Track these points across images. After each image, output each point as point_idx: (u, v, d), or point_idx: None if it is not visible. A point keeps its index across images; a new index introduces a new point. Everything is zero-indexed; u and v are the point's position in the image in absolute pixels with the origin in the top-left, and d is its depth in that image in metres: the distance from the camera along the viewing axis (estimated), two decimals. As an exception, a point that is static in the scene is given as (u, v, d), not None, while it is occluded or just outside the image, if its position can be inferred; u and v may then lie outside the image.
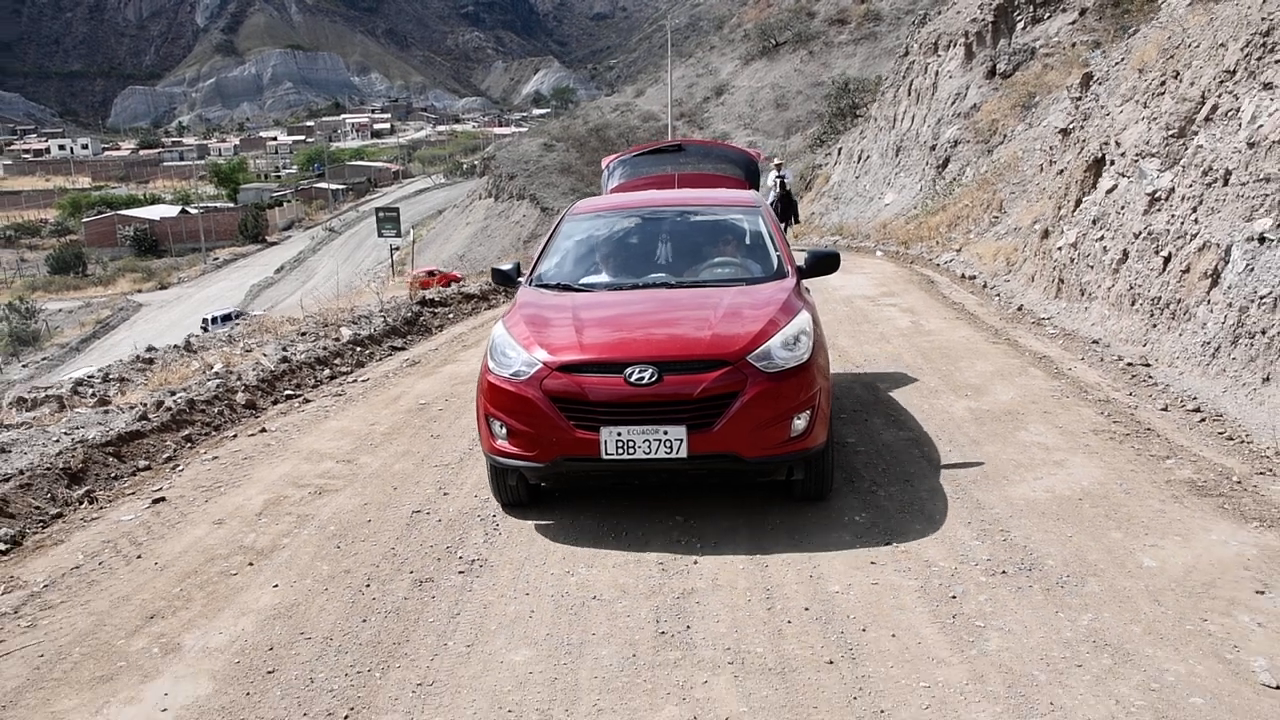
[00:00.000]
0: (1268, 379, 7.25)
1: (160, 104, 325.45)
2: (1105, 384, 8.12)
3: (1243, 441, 6.39)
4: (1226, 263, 8.29)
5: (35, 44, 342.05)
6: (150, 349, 11.76)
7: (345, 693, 3.70)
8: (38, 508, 6.08)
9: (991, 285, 13.77)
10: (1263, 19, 9.31)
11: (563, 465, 5.18)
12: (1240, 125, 8.96)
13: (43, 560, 5.27)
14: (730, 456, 5.04)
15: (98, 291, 76.63)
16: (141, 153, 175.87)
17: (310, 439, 7.48)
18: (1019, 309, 11.99)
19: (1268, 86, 8.72)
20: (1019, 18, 27.02)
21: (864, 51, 63.86)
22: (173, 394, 8.57)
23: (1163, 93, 11.24)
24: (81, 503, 6.28)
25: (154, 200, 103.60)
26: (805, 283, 6.47)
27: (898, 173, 29.11)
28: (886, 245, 22.01)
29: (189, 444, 7.57)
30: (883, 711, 3.42)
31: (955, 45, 28.17)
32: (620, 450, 4.99)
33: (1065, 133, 16.83)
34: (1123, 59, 15.49)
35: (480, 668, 3.85)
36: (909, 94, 30.24)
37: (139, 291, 74.45)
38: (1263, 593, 4.16)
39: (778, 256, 6.47)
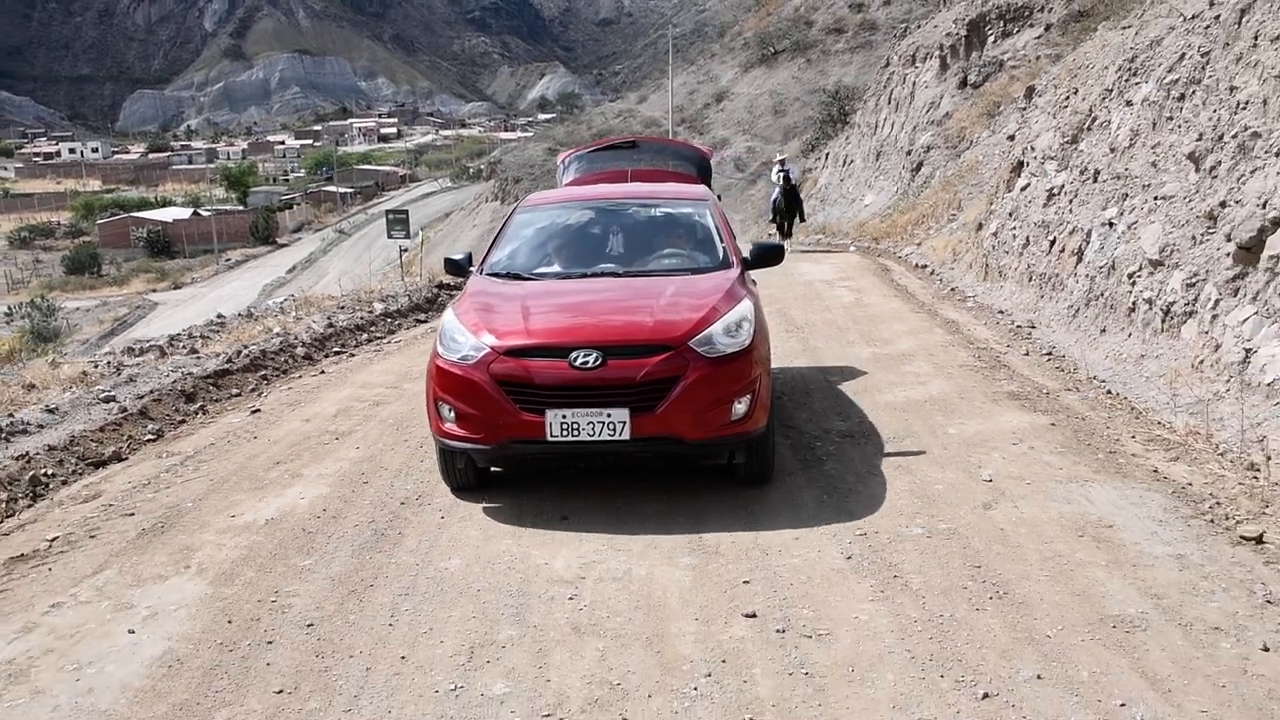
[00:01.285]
0: (1104, 330, 9.40)
1: (168, 108, 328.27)
2: (991, 339, 10.24)
3: (1069, 373, 8.51)
4: (1088, 243, 10.43)
5: (45, 48, 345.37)
6: (220, 315, 13.99)
7: (415, 491, 5.89)
8: (168, 415, 8.23)
9: (938, 272, 15.86)
10: (1130, 48, 11.46)
11: (509, 447, 5.39)
12: (1109, 134, 11.10)
13: (184, 442, 7.42)
14: (672, 439, 5.26)
15: (113, 291, 78.48)
16: (151, 156, 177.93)
17: (362, 375, 9.65)
18: (952, 290, 14.09)
19: (1128, 103, 10.84)
20: (990, 32, 28.71)
21: (860, 60, 65.51)
22: (246, 347, 10.71)
23: (1066, 106, 13.39)
24: (197, 414, 8.42)
25: (165, 203, 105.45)
26: (754, 273, 6.80)
27: (877, 176, 31.08)
28: (861, 242, 24.02)
29: (266, 381, 9.71)
30: (749, 498, 5.56)
31: (931, 58, 30.03)
32: (565, 432, 5.18)
33: (1012, 138, 18.94)
34: (1056, 76, 17.62)
35: (500, 478, 6.01)
36: (889, 103, 32.24)
37: (154, 291, 76.29)
38: (1016, 444, 6.31)
39: (723, 248, 6.70)
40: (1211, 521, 4.85)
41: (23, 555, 5.06)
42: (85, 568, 4.88)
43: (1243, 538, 4.61)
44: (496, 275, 6.59)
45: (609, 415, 5.16)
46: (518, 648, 3.90)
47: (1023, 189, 13.55)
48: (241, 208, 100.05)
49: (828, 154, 40.27)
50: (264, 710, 3.51)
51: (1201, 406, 6.76)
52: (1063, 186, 11.97)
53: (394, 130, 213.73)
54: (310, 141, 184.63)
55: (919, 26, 35.01)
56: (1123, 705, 3.32)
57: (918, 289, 14.67)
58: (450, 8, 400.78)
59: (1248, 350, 7.10)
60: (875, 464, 6.03)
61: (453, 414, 5.47)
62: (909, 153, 28.18)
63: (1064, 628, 3.85)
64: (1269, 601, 3.98)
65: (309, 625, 4.14)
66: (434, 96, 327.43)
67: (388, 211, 38.36)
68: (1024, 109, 19.25)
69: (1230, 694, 3.36)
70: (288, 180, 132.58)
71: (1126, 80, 11.23)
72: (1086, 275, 10.18)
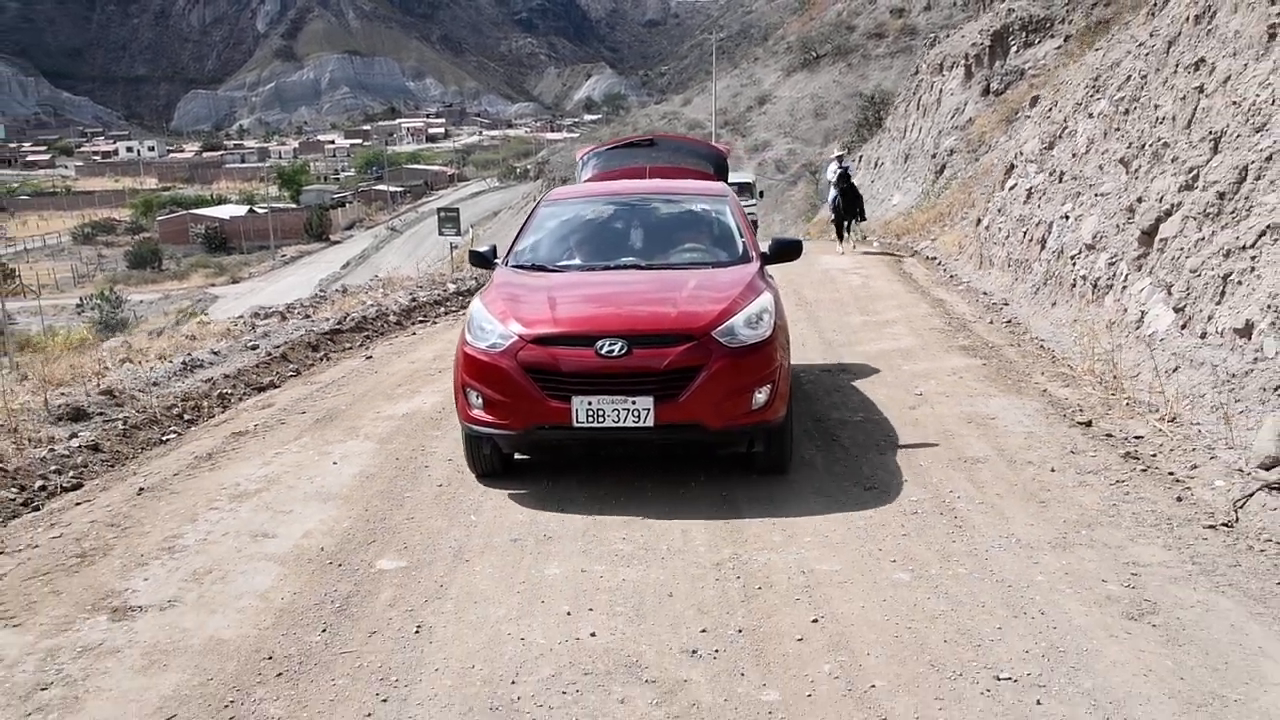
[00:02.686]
0: (1054, 303, 11.46)
1: (221, 108, 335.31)
2: (967, 312, 12.30)
3: (1018, 335, 10.57)
4: (1049, 233, 12.48)
5: (103, 49, 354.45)
6: (321, 290, 16.39)
7: (505, 400, 8.10)
8: (301, 359, 10.53)
9: (943, 263, 17.86)
10: (1095, 67, 13.48)
11: (536, 433, 5.57)
12: (1074, 141, 13.13)
13: (321, 376, 9.71)
14: (695, 426, 5.44)
15: (174, 285, 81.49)
16: (205, 155, 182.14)
17: (448, 335, 11.93)
18: (951, 277, 16.11)
19: (1090, 115, 12.86)
20: (1013, 42, 30.35)
21: (899, 64, 66.96)
22: (348, 315, 13.00)
23: (1049, 116, 15.41)
24: (322, 360, 10.71)
25: (220, 201, 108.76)
26: (772, 268, 7.10)
27: (904, 178, 32.97)
28: (884, 239, 25.98)
29: (369, 339, 12.00)
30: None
31: (957, 66, 31.82)
32: (590, 419, 5.35)
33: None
34: (1049, 89, 19.58)
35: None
36: (917, 108, 34.15)
37: (213, 285, 79.25)
38: (950, 376, 8.42)
39: (743, 243, 6.90)
40: (1064, 417, 6.97)
41: (240, 432, 7.38)
42: (287, 437, 7.17)
43: (1077, 422, 6.72)
44: (521, 267, 6.75)
45: (634, 403, 5.35)
46: (586, 471, 6.13)
47: (1010, 188, 15.58)
48: (295, 206, 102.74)
49: (860, 156, 42.21)
50: (432, 493, 5.79)
51: (1104, 355, 8.83)
52: (1038, 186, 14.01)
53: (441, 130, 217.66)
54: (360, 141, 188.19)
55: (948, 36, 36.88)
56: (951, 492, 5.49)
57: (921, 276, 16.70)
58: (498, 9, 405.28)
59: (1143, 312, 9.16)
60: (841, 385, 8.21)
61: (480, 400, 5.66)
62: (933, 156, 30.01)
63: (933, 461, 6.03)
64: (1072, 452, 6.10)
65: (449, 460, 6.43)
66: (481, 97, 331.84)
67: (439, 209, 40.44)
68: (1029, 116, 21.14)
69: (1017, 488, 5.52)
70: (338, 179, 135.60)
71: (1091, 95, 13.25)
72: (1045, 260, 12.24)
